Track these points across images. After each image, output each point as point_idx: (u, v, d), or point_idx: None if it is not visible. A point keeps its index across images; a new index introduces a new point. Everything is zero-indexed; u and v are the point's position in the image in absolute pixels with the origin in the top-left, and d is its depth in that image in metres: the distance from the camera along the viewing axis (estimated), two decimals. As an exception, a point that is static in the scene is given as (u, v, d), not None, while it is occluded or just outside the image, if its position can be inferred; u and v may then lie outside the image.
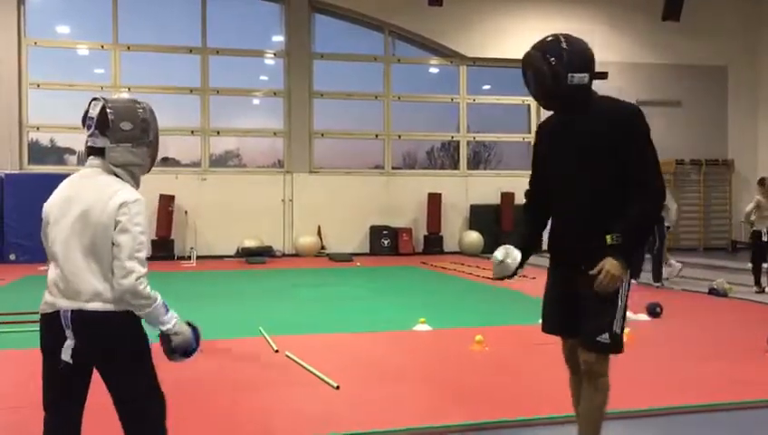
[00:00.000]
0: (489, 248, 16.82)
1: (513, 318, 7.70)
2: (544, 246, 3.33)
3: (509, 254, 3.25)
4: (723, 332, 7.06)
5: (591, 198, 3.07)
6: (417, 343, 6.50)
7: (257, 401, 4.54)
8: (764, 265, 10.05)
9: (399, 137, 17.75)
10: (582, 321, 3.10)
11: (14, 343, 5.83)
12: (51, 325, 2.53)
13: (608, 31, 17.91)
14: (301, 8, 16.72)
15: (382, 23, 17.17)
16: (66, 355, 2.49)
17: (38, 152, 16.07)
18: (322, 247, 16.46)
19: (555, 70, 3.00)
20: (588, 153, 3.05)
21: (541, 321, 3.31)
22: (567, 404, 3.42)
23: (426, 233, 16.97)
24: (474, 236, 16.71)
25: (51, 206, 2.61)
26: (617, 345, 3.06)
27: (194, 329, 2.67)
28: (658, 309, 7.73)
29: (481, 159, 18.91)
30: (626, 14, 17.84)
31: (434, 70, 18.31)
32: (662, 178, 3.08)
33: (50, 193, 2.67)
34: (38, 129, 15.86)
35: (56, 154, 16.49)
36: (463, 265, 13.57)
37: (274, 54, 17.14)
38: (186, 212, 15.74)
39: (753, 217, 10.21)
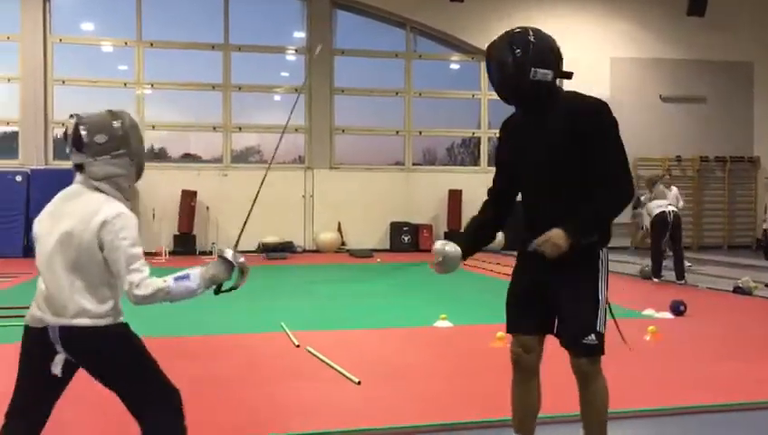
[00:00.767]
0: (510, 245, 16.75)
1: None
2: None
3: (447, 253, 3.12)
4: (747, 331, 6.97)
5: (563, 197, 2.99)
6: (438, 339, 6.49)
7: (279, 394, 4.57)
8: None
9: (420, 133, 17.73)
10: (562, 322, 3.03)
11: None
12: (38, 339, 2.54)
13: (631, 26, 17.75)
14: (322, 4, 16.75)
15: (404, 19, 17.15)
16: (57, 369, 2.52)
17: (63, 148, 16.16)
18: (343, 243, 16.50)
19: (519, 61, 2.92)
20: (557, 152, 2.97)
21: (507, 320, 3.21)
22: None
23: (446, 229, 16.95)
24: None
25: (39, 222, 2.64)
26: (603, 345, 2.99)
27: (223, 261, 2.61)
28: (682, 307, 7.65)
29: (502, 155, 18.83)
30: (650, 9, 17.64)
31: (455, 66, 18.26)
32: (629, 173, 3.00)
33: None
34: (63, 125, 15.90)
35: (80, 150, 16.66)
36: (483, 261, 13.52)
37: (296, 51, 17.18)
38: (207, 208, 15.86)
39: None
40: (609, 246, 3.12)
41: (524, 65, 2.92)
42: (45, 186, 14.10)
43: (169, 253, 14.69)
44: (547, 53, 2.98)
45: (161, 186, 15.45)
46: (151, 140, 16.71)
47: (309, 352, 5.67)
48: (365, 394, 4.58)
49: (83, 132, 2.59)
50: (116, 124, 2.63)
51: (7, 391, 2.64)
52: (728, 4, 17.22)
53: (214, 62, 16.53)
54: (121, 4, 16.22)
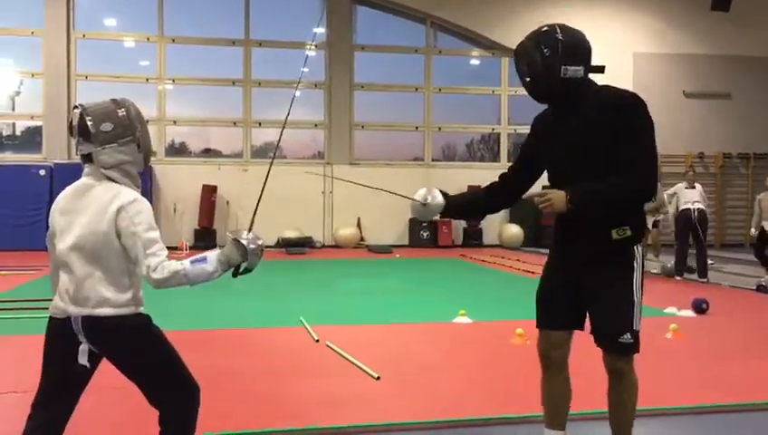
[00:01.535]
0: (530, 242, 16.72)
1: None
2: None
3: (433, 196, 3.20)
4: (771, 330, 6.89)
5: None
6: (458, 335, 6.49)
7: (298, 388, 4.59)
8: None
9: (440, 129, 17.68)
10: (598, 321, 3.01)
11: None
12: (62, 330, 2.58)
13: (654, 21, 17.56)
14: (342, 0, 16.74)
15: (424, 14, 17.10)
16: (83, 359, 2.56)
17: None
18: (362, 239, 16.51)
19: (548, 62, 2.89)
20: (590, 148, 2.93)
21: (537, 316, 3.19)
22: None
23: (465, 225, 16.89)
24: (514, 230, 16.57)
25: (53, 218, 2.68)
26: (638, 343, 2.98)
27: (236, 244, 2.61)
28: (704, 305, 7.58)
29: (522, 151, 18.74)
30: (674, 3, 17.44)
31: (475, 61, 18.17)
32: (654, 171, 2.91)
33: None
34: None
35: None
36: (503, 257, 13.48)
37: (315, 46, 17.20)
38: (227, 202, 15.96)
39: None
40: None
41: (554, 65, 2.90)
42: (68, 180, 13.81)
43: (190, 247, 14.80)
44: (577, 48, 2.94)
45: (182, 181, 15.57)
46: (172, 135, 16.85)
47: (328, 346, 5.69)
48: (384, 390, 4.59)
49: (90, 122, 2.61)
50: (121, 112, 2.66)
51: (36, 381, 2.67)
52: (753, -2, 16.98)
53: (234, 58, 16.60)
54: (144, 1, 16.35)
